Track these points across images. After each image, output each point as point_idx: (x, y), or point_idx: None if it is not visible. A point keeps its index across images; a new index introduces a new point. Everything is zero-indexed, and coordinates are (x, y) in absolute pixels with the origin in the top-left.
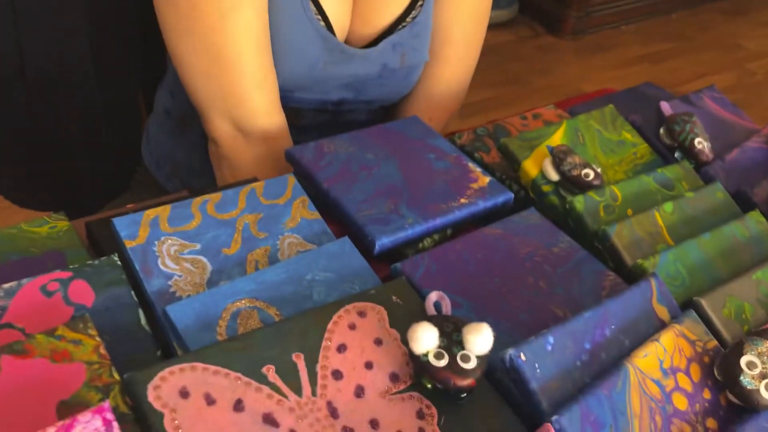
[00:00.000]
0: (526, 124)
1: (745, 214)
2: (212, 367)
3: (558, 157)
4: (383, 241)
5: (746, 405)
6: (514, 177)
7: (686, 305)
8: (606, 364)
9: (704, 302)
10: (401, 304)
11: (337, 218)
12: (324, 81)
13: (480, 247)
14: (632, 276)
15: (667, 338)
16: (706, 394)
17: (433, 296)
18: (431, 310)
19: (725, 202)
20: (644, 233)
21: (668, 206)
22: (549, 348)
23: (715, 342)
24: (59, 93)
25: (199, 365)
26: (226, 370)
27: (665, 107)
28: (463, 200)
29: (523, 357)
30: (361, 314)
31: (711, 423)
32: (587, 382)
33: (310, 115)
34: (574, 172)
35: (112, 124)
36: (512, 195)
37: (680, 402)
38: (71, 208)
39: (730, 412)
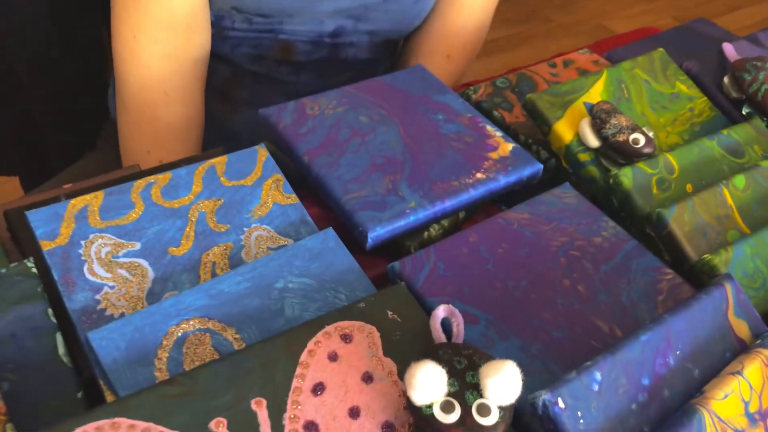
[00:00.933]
0: (556, 74)
1: None
2: (141, 424)
3: (599, 117)
4: (378, 232)
5: None
6: (543, 142)
7: None
8: (670, 406)
9: None
10: (399, 321)
11: (322, 202)
12: (315, 3)
13: (501, 237)
14: (696, 275)
15: (754, 369)
16: None
17: (441, 312)
18: (438, 333)
19: None
20: (710, 217)
21: (740, 180)
22: (596, 388)
23: None
24: (9, 35)
25: (124, 422)
26: (161, 428)
27: (729, 50)
28: (479, 175)
29: (561, 404)
30: (346, 338)
31: None
32: None
33: (304, 50)
34: (620, 137)
35: (73, 72)
36: (541, 166)
37: None
38: (31, 172)
39: None
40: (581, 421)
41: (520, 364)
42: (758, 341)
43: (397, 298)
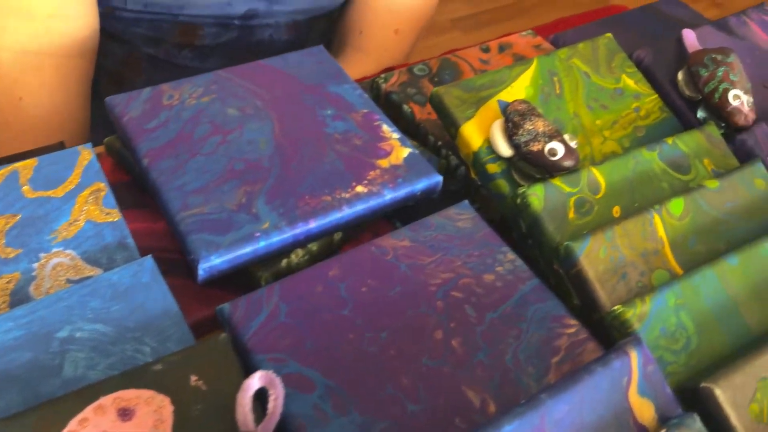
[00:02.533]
0: (487, 60)
1: None
2: None
3: (512, 120)
4: (212, 262)
5: None
6: (456, 146)
7: (689, 393)
8: None
9: (718, 391)
10: (204, 390)
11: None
12: None
13: (368, 272)
14: (607, 327)
15: None
16: None
17: (255, 382)
18: (244, 416)
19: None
20: (634, 253)
21: (677, 205)
22: None
23: None
24: None
25: None
26: None
27: (689, 38)
28: (359, 188)
29: None
30: (125, 414)
31: None
32: None
33: (210, 32)
34: (534, 146)
35: None
36: (440, 178)
37: None
38: None
39: None
40: None
41: None
42: (664, 427)
43: (209, 356)
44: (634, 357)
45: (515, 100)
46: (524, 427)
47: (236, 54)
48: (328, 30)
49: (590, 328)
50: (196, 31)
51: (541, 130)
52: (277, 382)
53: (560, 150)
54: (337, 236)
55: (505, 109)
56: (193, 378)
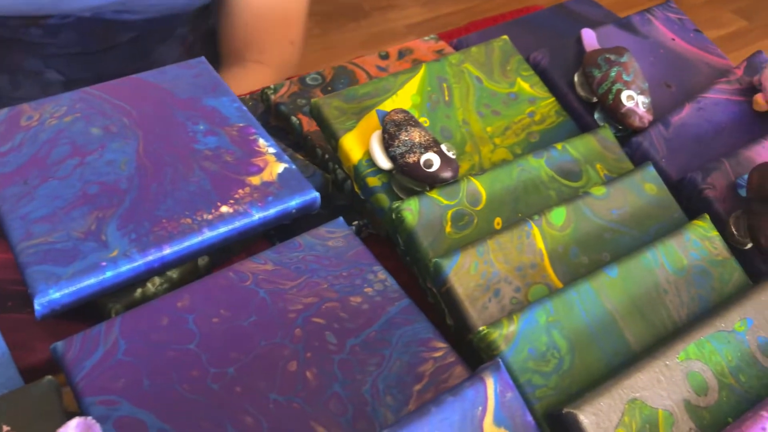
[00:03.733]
0: (385, 68)
1: (685, 226)
2: None
3: (388, 131)
4: (51, 297)
5: None
6: None
7: (555, 420)
8: None
9: (582, 417)
10: None
11: None
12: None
13: (223, 300)
14: (476, 350)
15: None
16: None
17: (70, 431)
18: None
19: (660, 200)
20: (509, 267)
21: (558, 214)
22: None
23: None
24: None
25: None
26: None
27: (589, 38)
28: (224, 208)
29: None
30: None
31: None
32: None
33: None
34: (410, 158)
35: None
36: (317, 196)
37: None
38: None
39: None
40: None
41: None
42: None
43: (29, 403)
44: (490, 384)
45: (393, 110)
46: None
47: (94, 29)
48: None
49: (464, 350)
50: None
51: (417, 140)
52: (96, 429)
53: (436, 161)
54: (202, 261)
55: (383, 119)
56: (5, 428)
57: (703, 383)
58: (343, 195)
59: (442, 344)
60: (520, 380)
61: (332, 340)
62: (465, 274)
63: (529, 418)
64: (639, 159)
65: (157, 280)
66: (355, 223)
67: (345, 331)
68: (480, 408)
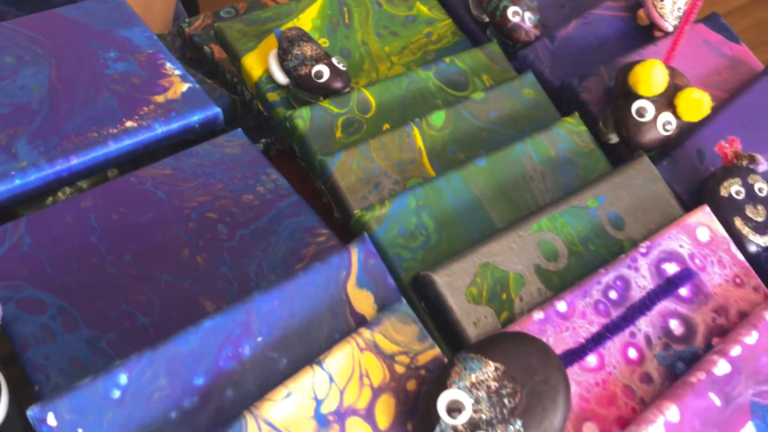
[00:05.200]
0: None
1: (555, 122)
2: None
3: (282, 47)
4: None
5: None
6: None
7: (416, 283)
8: (231, 410)
9: (437, 279)
10: None
11: None
12: None
13: (123, 201)
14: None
15: (342, 356)
16: None
17: None
18: None
19: (537, 103)
20: (389, 163)
21: (438, 117)
22: (116, 395)
23: (435, 352)
24: None
25: None
26: None
27: None
28: (129, 123)
29: (52, 420)
30: None
31: None
32: None
33: None
34: (302, 70)
35: None
36: (218, 111)
37: None
38: None
39: None
40: None
41: (81, 362)
42: (371, 320)
43: None
44: (355, 253)
45: (288, 28)
46: (227, 321)
47: None
48: None
49: (349, 240)
50: None
51: (308, 54)
52: None
53: (326, 72)
54: (112, 173)
55: (279, 37)
56: None
57: (553, 251)
58: (252, 115)
59: (325, 231)
60: (389, 254)
61: (223, 230)
62: (347, 169)
63: (391, 281)
64: (525, 70)
65: (67, 189)
66: (263, 140)
67: (236, 224)
68: (344, 272)
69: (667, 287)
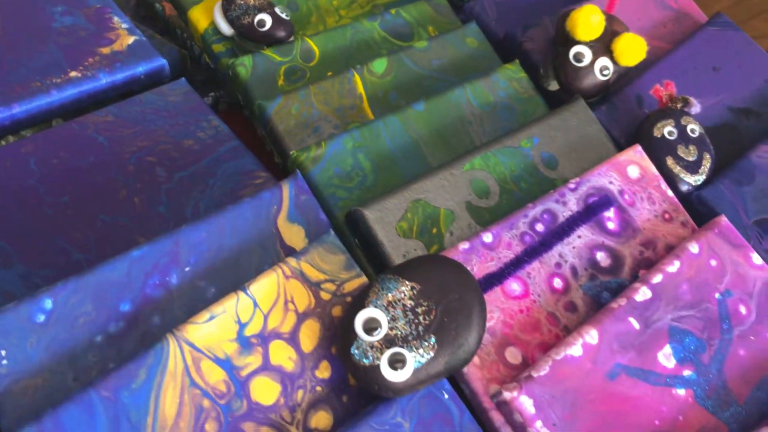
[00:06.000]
0: None
1: (495, 69)
2: None
3: None
4: None
5: (367, 389)
6: None
7: (349, 219)
8: (158, 335)
9: (368, 213)
10: None
11: None
12: None
13: (65, 146)
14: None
15: (266, 284)
16: (324, 371)
17: None
18: None
19: (480, 52)
20: (329, 108)
21: (379, 64)
22: (41, 319)
23: (361, 280)
24: None
25: None
26: None
27: None
28: (74, 74)
29: None
30: None
31: (323, 419)
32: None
33: None
34: (245, 20)
35: None
36: (163, 62)
37: (266, 391)
38: None
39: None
40: (4, 362)
41: (14, 296)
42: (298, 251)
43: None
44: (286, 189)
45: None
46: (155, 251)
47: None
48: None
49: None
50: None
51: (251, 3)
52: None
53: (268, 21)
54: (57, 123)
55: None
56: None
57: (485, 188)
58: (201, 69)
59: (263, 173)
60: (325, 193)
61: (162, 173)
62: (286, 114)
63: (323, 216)
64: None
65: (11, 138)
66: (212, 94)
67: (174, 167)
68: (275, 207)
69: (585, 213)
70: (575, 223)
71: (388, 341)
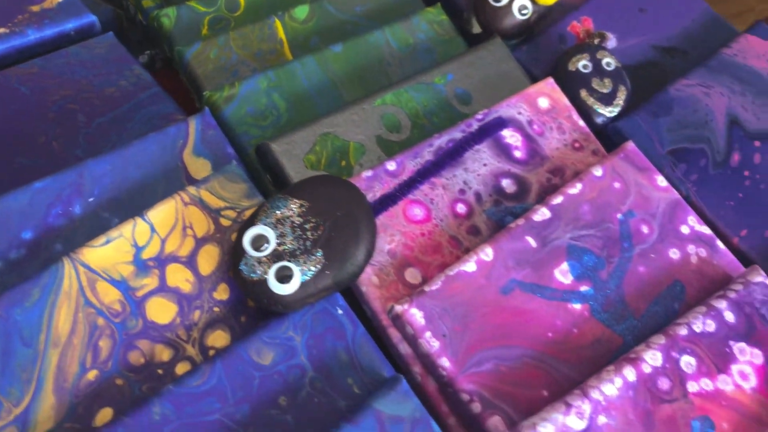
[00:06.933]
0: None
1: (416, 12)
2: None
3: None
4: None
5: (257, 303)
6: None
7: (258, 152)
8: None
9: (275, 146)
10: None
11: None
12: None
13: None
14: None
15: (165, 209)
16: (222, 293)
17: None
18: None
19: None
20: (248, 53)
21: (301, 10)
22: None
23: None
24: None
25: None
26: None
27: None
28: (1, 30)
29: None
30: None
31: (220, 338)
32: None
33: None
34: None
35: None
36: (93, 18)
37: (162, 311)
38: None
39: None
40: None
41: None
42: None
43: None
44: (192, 124)
45: None
46: (58, 182)
47: None
48: None
49: None
50: None
51: None
52: None
53: None
54: None
55: None
56: None
57: (396, 123)
58: (137, 29)
59: (181, 117)
60: (238, 131)
61: (82, 119)
62: (204, 58)
63: (230, 150)
64: None
65: None
66: (147, 52)
67: (95, 113)
68: (180, 141)
69: (478, 134)
70: (467, 144)
71: (276, 256)
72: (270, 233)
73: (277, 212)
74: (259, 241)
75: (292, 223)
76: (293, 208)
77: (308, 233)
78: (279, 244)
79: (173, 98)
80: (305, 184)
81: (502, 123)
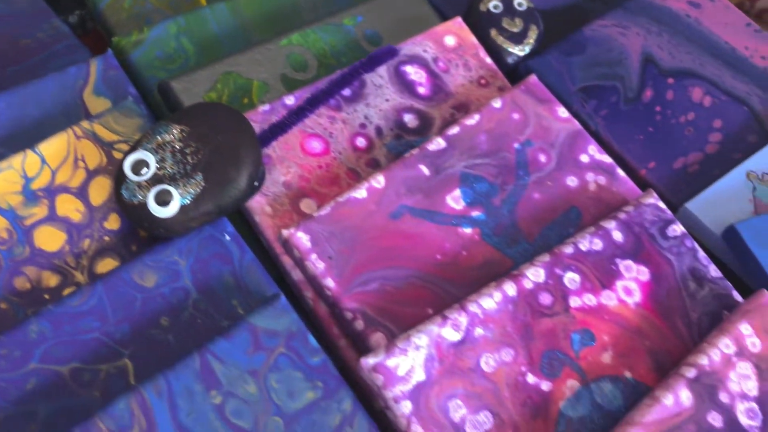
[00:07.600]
0: None
1: None
2: None
3: None
4: None
5: (139, 227)
6: None
7: (160, 90)
8: None
9: (174, 84)
10: None
11: None
12: None
13: None
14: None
15: (56, 142)
16: (113, 223)
17: None
18: None
19: None
20: (163, 3)
21: None
22: None
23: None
24: None
25: None
26: None
27: None
28: None
29: None
30: None
31: (109, 265)
32: None
33: None
34: None
35: None
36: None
37: (50, 239)
38: None
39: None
40: None
41: None
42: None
43: None
44: (94, 65)
45: None
46: None
47: None
48: None
49: None
50: None
51: None
52: None
53: None
54: None
55: None
56: None
57: (302, 62)
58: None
59: (95, 61)
60: (145, 75)
61: None
62: (118, 8)
63: (132, 90)
64: None
65: None
66: (77, 12)
67: (8, 63)
68: (81, 81)
69: (368, 63)
70: (356, 72)
71: (156, 180)
72: (150, 158)
73: (158, 138)
74: (139, 166)
75: (173, 148)
76: (174, 133)
77: (188, 157)
78: (159, 169)
79: None
80: (189, 111)
81: (392, 52)
